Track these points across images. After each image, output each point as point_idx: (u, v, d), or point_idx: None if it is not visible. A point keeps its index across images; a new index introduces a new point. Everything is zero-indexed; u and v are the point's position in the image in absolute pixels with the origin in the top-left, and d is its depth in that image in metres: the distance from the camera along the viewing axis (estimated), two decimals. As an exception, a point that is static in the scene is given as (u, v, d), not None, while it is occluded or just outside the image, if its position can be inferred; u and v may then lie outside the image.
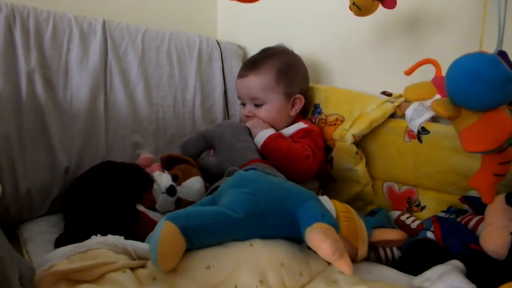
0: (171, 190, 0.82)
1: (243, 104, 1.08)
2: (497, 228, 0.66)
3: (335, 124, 1.00)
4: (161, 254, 0.52)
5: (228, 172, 0.80)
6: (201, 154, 0.97)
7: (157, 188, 0.82)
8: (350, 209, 0.75)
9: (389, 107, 0.95)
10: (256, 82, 1.03)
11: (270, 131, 0.98)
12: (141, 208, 0.80)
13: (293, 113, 1.05)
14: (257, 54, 1.11)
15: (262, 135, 0.97)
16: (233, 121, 1.21)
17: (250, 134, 0.99)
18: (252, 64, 1.06)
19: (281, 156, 0.93)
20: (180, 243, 0.55)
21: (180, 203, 0.82)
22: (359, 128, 0.94)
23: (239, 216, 0.60)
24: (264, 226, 0.62)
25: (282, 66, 1.04)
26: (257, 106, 1.04)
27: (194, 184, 0.84)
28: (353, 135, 0.94)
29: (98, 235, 0.58)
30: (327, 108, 1.06)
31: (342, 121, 0.99)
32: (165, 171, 0.88)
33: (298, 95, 1.05)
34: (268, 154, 0.95)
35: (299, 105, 1.06)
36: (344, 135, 0.95)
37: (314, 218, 0.61)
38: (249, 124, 1.01)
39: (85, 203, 0.73)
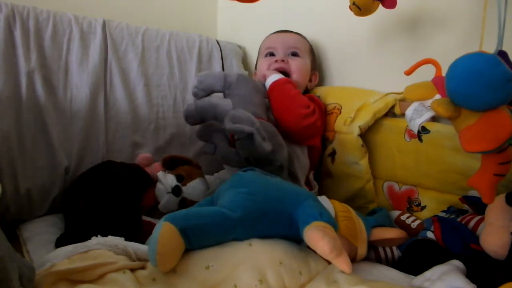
0: (176, 190, 0.82)
1: (271, 55, 1.09)
2: (497, 228, 0.66)
3: (333, 113, 1.01)
4: (160, 255, 0.52)
5: (233, 115, 0.77)
6: (213, 92, 0.93)
7: (162, 188, 0.82)
8: (349, 208, 0.75)
9: (391, 99, 0.95)
10: (299, 39, 1.11)
11: (285, 77, 1.00)
12: (146, 218, 0.80)
13: (309, 86, 1.11)
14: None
15: (277, 75, 0.99)
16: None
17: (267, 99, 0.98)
18: (292, 30, 1.13)
19: (285, 97, 0.94)
20: (179, 243, 0.55)
21: (185, 203, 0.82)
22: (364, 120, 0.94)
23: (237, 216, 0.60)
24: (263, 226, 0.62)
25: (311, 46, 1.14)
26: (294, 55, 1.07)
27: (199, 184, 0.84)
28: (359, 127, 0.94)
29: (99, 236, 0.58)
30: (327, 98, 1.07)
31: (339, 109, 1.00)
32: (167, 172, 0.88)
33: (316, 72, 1.13)
34: (275, 93, 0.95)
35: (314, 81, 1.12)
36: (350, 124, 0.95)
37: (312, 217, 0.61)
38: (267, 71, 1.03)
39: (87, 203, 0.73)
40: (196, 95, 0.91)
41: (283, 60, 1.05)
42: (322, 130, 1.02)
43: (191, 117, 0.91)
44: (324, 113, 1.03)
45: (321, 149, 1.03)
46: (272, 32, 1.14)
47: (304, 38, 1.12)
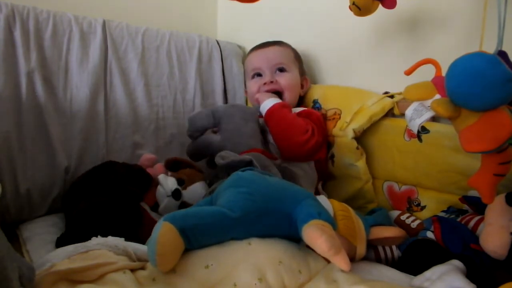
0: (176, 194, 0.82)
1: (258, 75, 1.08)
2: (497, 228, 0.66)
3: (333, 119, 1.01)
4: (159, 255, 0.52)
5: (220, 155, 0.80)
6: (207, 130, 0.96)
7: (162, 191, 0.82)
8: (348, 208, 0.75)
9: (388, 102, 0.95)
10: (281, 51, 1.10)
11: (279, 100, 0.99)
12: (145, 206, 0.80)
13: (302, 92, 1.10)
14: (265, 41, 1.14)
15: (272, 101, 0.98)
16: (246, 105, 1.19)
17: (259, 123, 0.98)
18: (271, 41, 1.12)
19: (283, 124, 0.94)
20: (179, 243, 0.55)
21: (185, 207, 0.82)
22: (359, 123, 0.95)
23: (236, 215, 0.60)
24: (262, 225, 0.63)
25: (294, 49, 1.13)
26: (281, 71, 1.06)
27: (199, 189, 0.84)
28: (354, 130, 0.95)
29: (99, 236, 0.58)
30: (326, 103, 1.07)
31: (339, 114, 1.00)
32: (169, 173, 0.88)
33: (306, 77, 1.13)
34: (272, 120, 0.95)
35: (305, 87, 1.12)
36: (345, 128, 0.96)
37: (311, 216, 0.61)
38: (258, 94, 1.03)
39: (88, 204, 0.73)
40: (191, 137, 0.96)
41: (272, 82, 1.05)
42: (325, 142, 1.01)
43: (194, 155, 0.96)
44: (324, 123, 1.02)
45: (327, 158, 1.03)
46: (254, 47, 1.14)
47: (286, 46, 1.11)
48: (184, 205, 0.83)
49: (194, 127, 0.95)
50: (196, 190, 0.84)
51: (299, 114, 1.00)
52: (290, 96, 1.05)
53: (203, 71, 1.20)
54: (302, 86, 1.10)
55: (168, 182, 0.83)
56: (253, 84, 1.09)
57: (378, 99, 0.96)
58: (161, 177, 0.85)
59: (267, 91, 1.04)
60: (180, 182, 0.84)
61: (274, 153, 0.94)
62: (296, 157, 0.95)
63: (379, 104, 0.95)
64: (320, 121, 1.01)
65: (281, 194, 0.66)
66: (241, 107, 0.99)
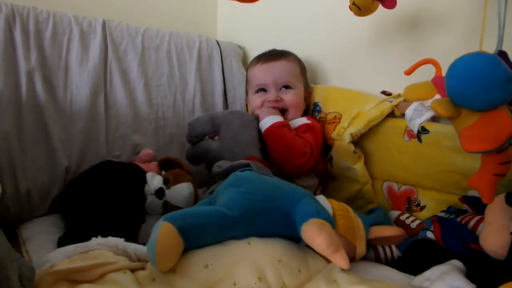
0: (159, 193, 0.81)
1: (263, 90, 1.07)
2: (497, 228, 0.66)
3: (333, 122, 1.01)
4: (159, 254, 0.52)
5: (217, 165, 0.81)
6: (206, 135, 0.97)
7: (147, 189, 0.82)
8: (347, 207, 0.75)
9: (386, 106, 0.95)
10: (288, 66, 1.07)
11: (279, 118, 0.99)
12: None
13: (305, 105, 1.10)
14: (272, 50, 1.13)
15: (271, 119, 0.98)
16: (245, 112, 1.18)
17: (258, 130, 0.98)
18: (279, 53, 1.10)
19: (281, 145, 0.94)
20: (178, 242, 0.55)
21: (167, 207, 0.81)
22: (357, 127, 0.95)
23: (235, 214, 0.60)
24: (261, 224, 0.63)
25: (300, 61, 1.12)
26: (286, 88, 1.05)
27: (183, 189, 0.83)
28: (351, 134, 0.95)
29: (99, 236, 0.58)
30: (326, 106, 1.06)
31: (340, 118, 1.00)
32: (162, 172, 0.88)
33: (309, 89, 1.12)
34: (270, 139, 0.96)
35: (308, 99, 1.11)
36: (342, 133, 0.96)
37: (310, 214, 0.61)
38: (258, 110, 1.03)
39: (91, 203, 0.73)
40: (190, 142, 0.97)
41: (277, 100, 1.04)
42: (322, 154, 1.01)
43: (193, 160, 0.98)
44: (322, 133, 1.01)
45: (326, 162, 1.03)
46: (259, 58, 1.11)
47: (293, 59, 1.09)
48: (167, 204, 0.82)
49: (193, 132, 0.96)
50: (180, 190, 0.83)
51: (299, 128, 1.00)
52: (294, 113, 1.05)
53: (203, 71, 1.20)
54: (305, 99, 1.09)
55: (153, 181, 0.83)
56: (256, 98, 1.08)
57: (376, 104, 0.96)
58: (149, 175, 0.85)
59: (272, 107, 1.04)
60: (166, 181, 0.84)
61: (272, 162, 0.95)
62: (293, 175, 0.96)
63: (378, 109, 0.95)
64: (320, 132, 1.00)
65: (279, 193, 0.66)
66: (240, 114, 0.99)
